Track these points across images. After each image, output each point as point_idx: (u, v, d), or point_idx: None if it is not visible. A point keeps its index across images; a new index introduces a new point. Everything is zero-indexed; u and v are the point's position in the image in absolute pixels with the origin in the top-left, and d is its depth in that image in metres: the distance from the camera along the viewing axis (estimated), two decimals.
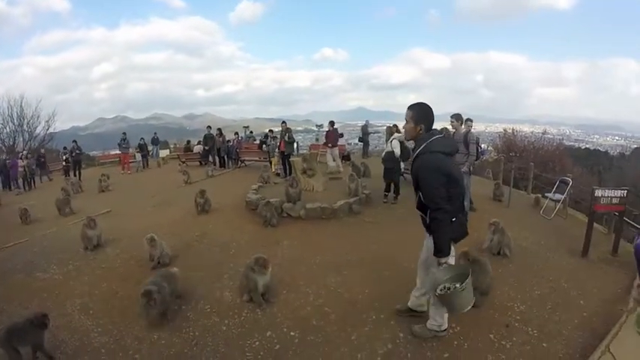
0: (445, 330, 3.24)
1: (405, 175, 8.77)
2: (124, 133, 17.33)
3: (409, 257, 4.92)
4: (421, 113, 2.91)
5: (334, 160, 12.17)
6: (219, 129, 16.00)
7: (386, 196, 7.91)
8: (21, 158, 14.83)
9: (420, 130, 2.90)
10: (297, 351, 3.19)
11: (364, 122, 17.80)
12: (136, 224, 7.22)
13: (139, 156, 12.40)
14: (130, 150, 17.18)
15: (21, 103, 26.01)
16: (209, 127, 16.28)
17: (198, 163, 16.24)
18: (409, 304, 3.51)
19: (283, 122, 12.58)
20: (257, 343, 3.33)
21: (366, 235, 6.01)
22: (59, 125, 29.93)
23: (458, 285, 2.75)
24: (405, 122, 2.99)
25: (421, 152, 2.86)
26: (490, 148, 19.92)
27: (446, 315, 3.16)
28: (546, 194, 7.54)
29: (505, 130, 21.50)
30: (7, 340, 3.17)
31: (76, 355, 3.35)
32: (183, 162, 16.38)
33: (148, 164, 17.38)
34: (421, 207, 2.99)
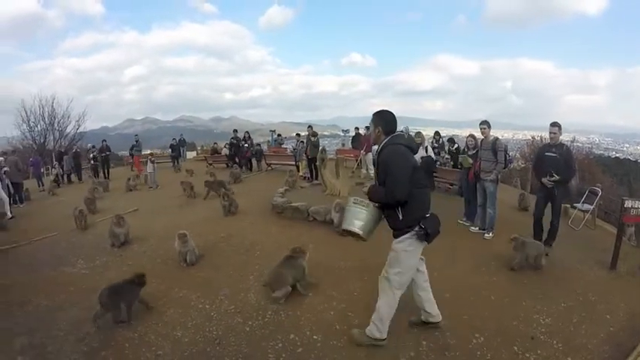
0: (384, 340, 3.18)
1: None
2: (136, 135, 17.69)
3: (432, 265, 4.88)
4: (380, 117, 3.06)
5: (368, 166, 12.14)
6: (247, 132, 16.17)
7: None
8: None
9: (379, 132, 3.04)
10: (320, 355, 3.19)
11: (402, 128, 15.92)
12: (162, 223, 7.40)
13: (150, 167, 12.62)
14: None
15: (52, 102, 27.00)
16: (235, 130, 16.40)
17: (224, 165, 16.35)
18: (422, 318, 3.47)
19: (309, 127, 12.63)
20: (280, 345, 3.34)
21: (390, 241, 5.94)
22: (89, 125, 30.98)
23: (367, 204, 3.03)
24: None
25: (384, 146, 2.98)
26: (518, 155, 19.56)
27: (388, 322, 3.14)
28: (575, 204, 7.34)
29: (533, 137, 21.08)
30: (109, 298, 3.71)
31: (100, 348, 3.41)
32: (210, 164, 16.60)
33: (179, 165, 17.54)
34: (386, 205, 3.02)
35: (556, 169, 5.10)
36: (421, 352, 3.19)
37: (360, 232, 3.04)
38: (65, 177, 15.98)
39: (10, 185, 10.28)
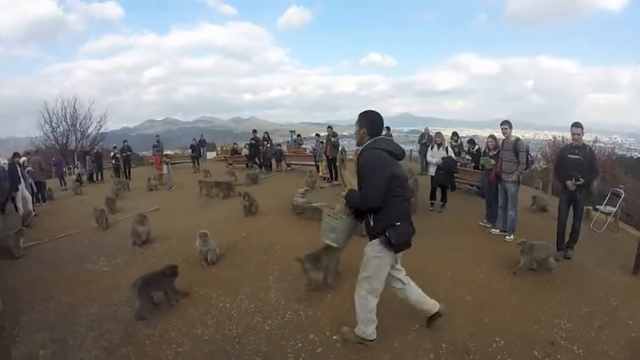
0: (373, 340, 3.19)
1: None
2: (158, 136, 17.92)
3: (452, 267, 4.89)
4: (365, 118, 3.03)
5: None
6: (266, 132, 16.24)
7: (432, 204, 7.83)
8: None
9: (363, 133, 3.00)
10: (339, 355, 3.19)
11: (422, 129, 14.61)
12: (183, 223, 7.50)
13: (165, 168, 12.80)
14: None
15: (74, 104, 27.80)
16: (254, 130, 16.50)
17: (244, 165, 16.44)
18: (425, 315, 3.47)
19: (329, 127, 12.64)
20: (299, 344, 3.35)
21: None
22: (110, 125, 31.90)
23: (340, 217, 3.13)
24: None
25: (364, 149, 2.96)
26: (539, 156, 19.21)
27: (372, 325, 3.15)
28: (597, 206, 7.20)
29: (555, 137, 20.71)
30: (143, 288, 3.90)
31: (121, 345, 3.47)
32: (230, 164, 16.70)
33: (199, 165, 17.66)
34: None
35: (580, 172, 4.97)
36: (440, 355, 3.17)
37: (334, 244, 3.21)
38: (87, 176, 16.31)
39: (33, 184, 10.58)
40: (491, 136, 6.74)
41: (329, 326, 3.59)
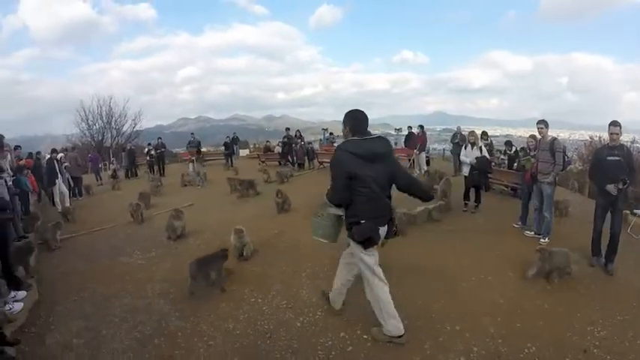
0: (401, 336, 3.24)
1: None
2: (192, 133, 18.25)
3: (486, 269, 4.82)
4: (349, 116, 3.13)
5: (421, 166, 12.02)
6: (298, 130, 16.33)
7: (466, 204, 7.74)
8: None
9: (347, 131, 3.11)
10: (369, 354, 3.19)
11: (456, 128, 14.10)
12: (216, 218, 7.64)
13: (190, 166, 13.02)
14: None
15: (109, 102, 28.69)
16: (287, 128, 16.56)
17: (277, 163, 16.51)
18: (330, 295, 3.80)
19: None
20: (330, 342, 3.37)
21: (444, 243, 5.88)
22: (145, 123, 32.87)
23: (324, 214, 3.38)
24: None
25: (336, 149, 3.16)
26: (575, 157, 18.59)
27: (392, 321, 3.21)
28: (635, 210, 6.92)
29: (591, 137, 20.03)
30: (198, 268, 4.29)
31: (153, 336, 3.56)
32: (263, 162, 16.82)
33: (232, 163, 17.79)
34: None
35: (622, 175, 4.71)
36: (472, 358, 3.14)
37: (324, 241, 3.47)
38: (124, 172, 16.84)
39: (70, 179, 11.04)
40: (532, 136, 6.58)
41: (360, 325, 3.57)
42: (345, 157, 2.95)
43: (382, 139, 3.14)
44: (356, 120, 3.10)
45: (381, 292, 3.19)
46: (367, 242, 3.07)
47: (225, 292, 4.33)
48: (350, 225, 3.09)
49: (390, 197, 3.16)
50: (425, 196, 3.38)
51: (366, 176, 2.94)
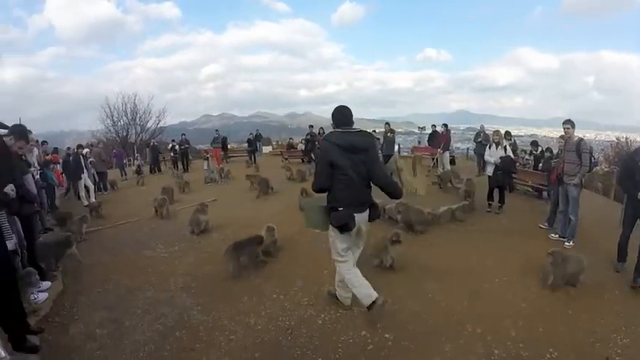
0: (376, 301, 3.42)
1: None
2: (217, 131, 18.42)
3: (509, 271, 4.78)
4: (335, 111, 3.38)
5: (445, 165, 11.97)
6: (322, 128, 16.38)
7: (490, 205, 7.66)
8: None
9: (333, 125, 3.37)
10: (390, 353, 3.20)
11: (479, 127, 13.67)
12: (239, 214, 7.75)
13: (205, 164, 13.13)
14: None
15: (134, 99, 29.43)
16: (311, 126, 16.57)
17: (300, 160, 16.54)
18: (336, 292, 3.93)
19: (387, 123, 12.58)
20: (351, 340, 3.38)
21: (467, 243, 5.85)
22: (169, 120, 33.55)
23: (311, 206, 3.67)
24: None
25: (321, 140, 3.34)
26: (601, 158, 18.07)
27: (364, 289, 3.48)
28: None
29: (618, 139, 19.53)
30: (234, 251, 4.69)
31: (175, 328, 3.62)
32: (286, 159, 16.92)
33: (255, 159, 17.82)
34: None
35: None
36: None
37: (316, 230, 3.74)
38: (148, 168, 17.11)
39: (95, 174, 11.34)
40: (562, 137, 6.52)
41: (381, 324, 3.57)
42: (328, 147, 3.24)
43: (364, 134, 3.35)
44: (341, 115, 3.35)
45: (345, 272, 3.54)
46: (344, 227, 3.30)
47: (256, 279, 4.63)
48: (330, 210, 3.35)
49: (369, 186, 3.41)
50: (390, 197, 3.57)
51: (345, 165, 3.20)
